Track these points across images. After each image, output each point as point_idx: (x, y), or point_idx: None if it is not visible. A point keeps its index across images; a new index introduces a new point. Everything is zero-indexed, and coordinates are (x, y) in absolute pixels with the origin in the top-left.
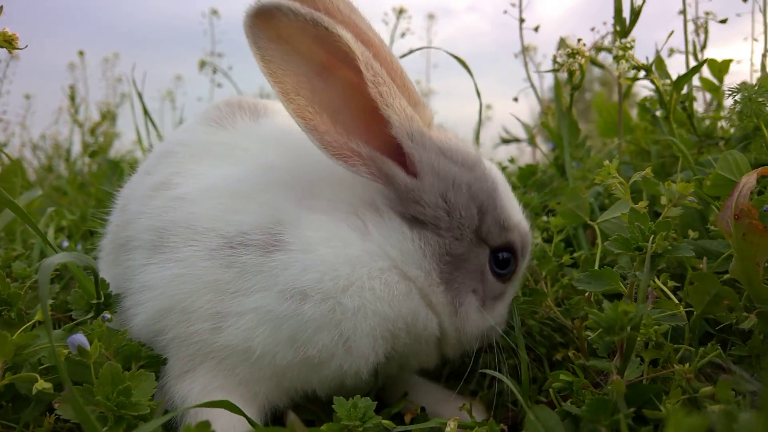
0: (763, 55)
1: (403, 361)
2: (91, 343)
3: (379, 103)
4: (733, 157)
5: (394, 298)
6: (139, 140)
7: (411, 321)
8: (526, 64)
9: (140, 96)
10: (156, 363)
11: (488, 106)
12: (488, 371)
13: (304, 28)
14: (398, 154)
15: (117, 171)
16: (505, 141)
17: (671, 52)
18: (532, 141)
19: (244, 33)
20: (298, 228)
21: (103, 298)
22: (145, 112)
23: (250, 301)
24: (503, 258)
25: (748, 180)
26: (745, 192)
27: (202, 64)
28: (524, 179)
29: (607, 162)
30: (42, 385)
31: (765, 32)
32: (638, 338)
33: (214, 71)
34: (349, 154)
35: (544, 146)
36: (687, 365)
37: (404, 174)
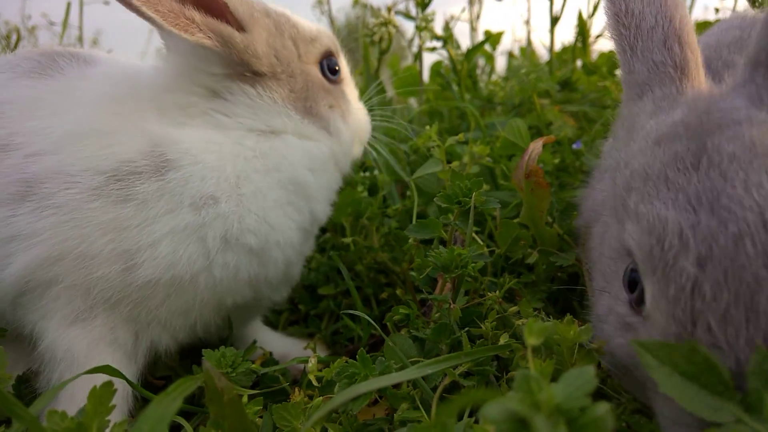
0: (527, 29)
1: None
2: None
3: None
4: (516, 124)
5: (278, 161)
6: None
7: (309, 162)
8: (332, 23)
9: None
10: None
11: None
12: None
13: None
14: (222, 17)
15: None
16: None
17: (452, 17)
18: None
19: None
20: (176, 144)
21: None
22: None
23: (161, 227)
24: (330, 63)
25: (536, 146)
26: (533, 156)
27: None
28: None
29: (428, 127)
30: None
31: (528, 8)
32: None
33: None
34: (186, 22)
35: None
36: (497, 292)
37: (237, 32)
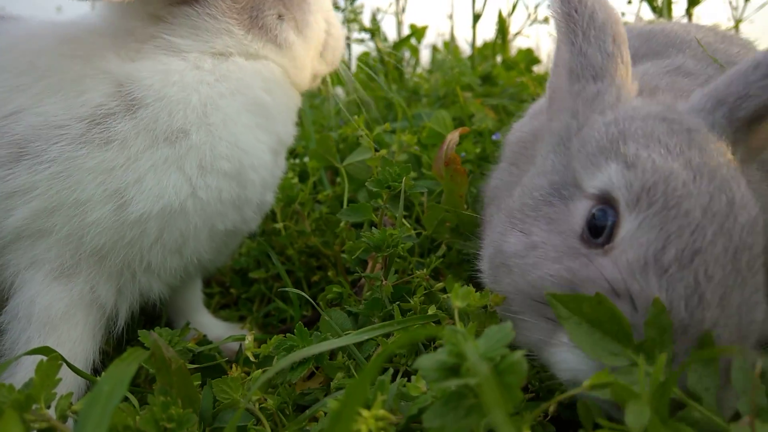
0: (451, 24)
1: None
2: None
3: None
4: (441, 115)
5: (238, 83)
6: None
7: (263, 84)
8: None
9: None
10: None
11: None
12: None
13: None
14: None
15: None
16: None
17: (378, 10)
18: None
19: None
20: (138, 81)
21: None
22: None
23: (143, 163)
24: None
25: (453, 137)
26: (451, 145)
27: None
28: None
29: (356, 116)
30: None
31: (452, 4)
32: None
33: None
34: None
35: None
36: (424, 270)
37: None
